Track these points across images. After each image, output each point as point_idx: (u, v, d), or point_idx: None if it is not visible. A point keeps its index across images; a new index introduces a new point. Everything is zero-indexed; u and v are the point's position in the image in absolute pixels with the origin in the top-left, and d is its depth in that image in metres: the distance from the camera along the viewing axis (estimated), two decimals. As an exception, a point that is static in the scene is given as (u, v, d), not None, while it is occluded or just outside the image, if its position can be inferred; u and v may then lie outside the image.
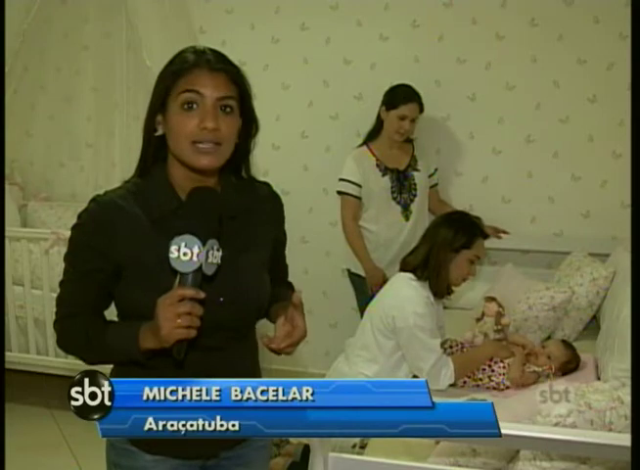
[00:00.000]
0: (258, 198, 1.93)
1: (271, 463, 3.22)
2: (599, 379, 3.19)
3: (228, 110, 1.73)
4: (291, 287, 2.10)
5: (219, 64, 1.75)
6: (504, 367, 3.28)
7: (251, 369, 1.97)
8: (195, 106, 1.70)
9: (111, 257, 1.76)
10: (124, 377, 1.79)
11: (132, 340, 1.71)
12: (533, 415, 2.22)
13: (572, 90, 4.39)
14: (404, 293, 3.21)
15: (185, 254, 1.59)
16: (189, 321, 1.60)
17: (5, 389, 2.61)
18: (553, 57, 4.38)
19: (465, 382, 3.26)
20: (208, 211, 1.67)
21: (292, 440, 3.77)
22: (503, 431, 1.95)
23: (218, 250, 1.64)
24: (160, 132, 1.78)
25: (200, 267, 1.61)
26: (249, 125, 1.83)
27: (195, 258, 1.60)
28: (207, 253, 1.61)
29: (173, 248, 1.60)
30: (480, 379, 3.27)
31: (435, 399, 2.99)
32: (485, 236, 3.32)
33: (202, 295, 1.61)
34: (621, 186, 4.36)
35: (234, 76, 1.76)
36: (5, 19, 2.83)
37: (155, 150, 1.81)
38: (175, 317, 1.59)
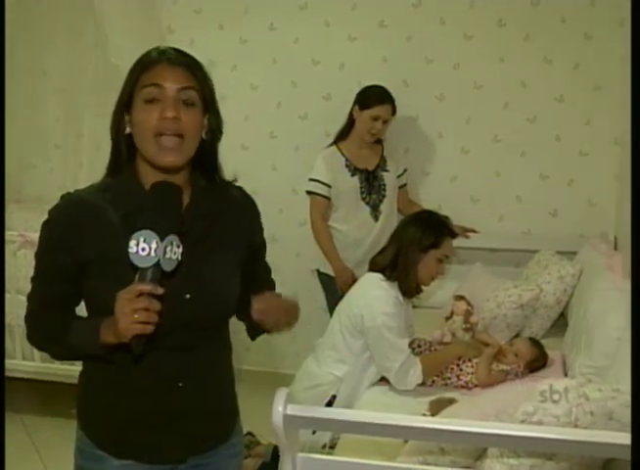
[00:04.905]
0: (230, 200, 1.93)
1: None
2: (567, 376, 3.22)
3: (189, 103, 1.76)
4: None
5: (180, 59, 1.78)
6: (472, 366, 3.29)
7: (222, 370, 1.98)
8: (156, 100, 1.73)
9: (77, 252, 1.77)
10: (91, 375, 1.89)
11: (94, 334, 1.71)
12: (500, 413, 2.24)
13: (540, 90, 4.43)
14: (373, 293, 3.22)
15: (143, 249, 1.60)
16: (146, 316, 1.60)
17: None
18: (520, 56, 4.42)
19: (434, 381, 3.27)
20: (168, 206, 1.69)
21: (262, 440, 3.77)
22: (470, 429, 1.97)
23: (178, 246, 1.65)
24: (127, 130, 1.79)
25: (158, 263, 1.61)
26: (213, 122, 1.85)
27: (152, 254, 1.61)
28: (166, 248, 1.61)
29: (132, 243, 1.61)
30: (449, 378, 3.28)
31: (405, 398, 3.02)
32: (454, 235, 3.34)
33: (160, 291, 1.62)
34: (588, 185, 4.42)
35: (194, 70, 1.79)
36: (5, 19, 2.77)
37: (125, 149, 1.82)
38: (132, 312, 1.59)
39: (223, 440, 1.98)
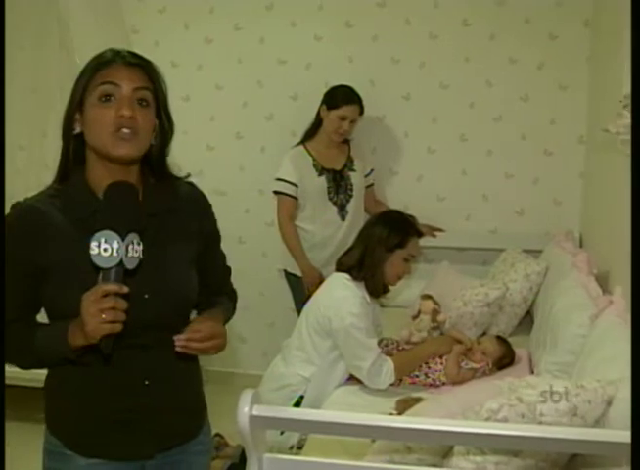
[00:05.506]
0: (180, 196, 1.93)
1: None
2: (533, 373, 3.23)
3: (144, 103, 1.76)
4: (232, 294, 2.14)
5: (135, 59, 1.80)
6: (441, 364, 3.30)
7: (187, 368, 1.97)
8: (112, 98, 1.73)
9: (34, 261, 1.76)
10: (59, 378, 1.87)
11: (61, 338, 1.71)
12: (466, 411, 2.24)
13: (505, 89, 4.46)
14: (340, 293, 3.21)
15: (105, 249, 1.60)
16: (113, 316, 1.60)
17: None
18: (485, 56, 4.45)
19: (401, 380, 3.26)
20: (126, 205, 1.68)
21: (231, 442, 3.75)
22: (436, 427, 1.97)
23: (139, 244, 1.65)
24: (77, 130, 1.79)
25: (121, 262, 1.61)
26: (165, 124, 1.86)
27: (115, 253, 1.60)
28: (128, 247, 1.61)
29: (93, 244, 1.60)
30: (417, 376, 3.28)
31: (373, 398, 3.01)
32: (420, 234, 3.34)
33: (125, 289, 1.62)
34: (553, 183, 4.45)
35: (149, 71, 1.80)
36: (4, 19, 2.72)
37: (73, 152, 1.81)
38: (99, 313, 1.59)
39: (191, 436, 1.99)
